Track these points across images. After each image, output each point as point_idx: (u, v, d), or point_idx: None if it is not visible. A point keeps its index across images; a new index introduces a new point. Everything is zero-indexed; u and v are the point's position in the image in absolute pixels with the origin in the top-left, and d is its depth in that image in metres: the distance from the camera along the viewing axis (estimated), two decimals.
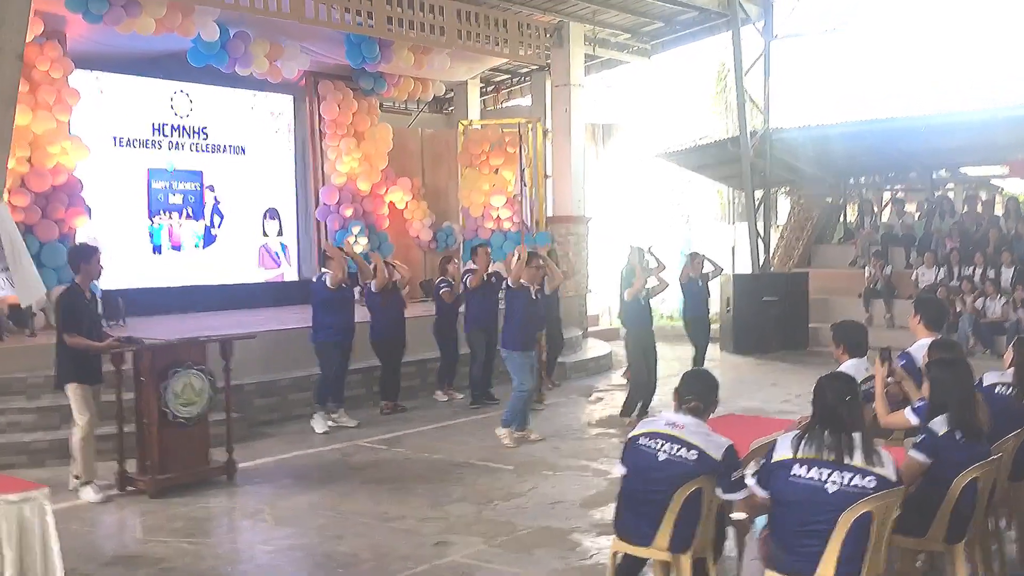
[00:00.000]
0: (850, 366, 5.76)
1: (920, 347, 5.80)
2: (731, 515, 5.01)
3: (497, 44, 13.96)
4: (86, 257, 7.41)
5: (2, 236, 2.36)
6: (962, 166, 19.44)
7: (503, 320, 9.49)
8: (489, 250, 11.62)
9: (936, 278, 15.63)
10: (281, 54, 12.37)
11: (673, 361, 12.78)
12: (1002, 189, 19.31)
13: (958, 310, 14.65)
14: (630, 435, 4.78)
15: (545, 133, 15.91)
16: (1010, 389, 5.48)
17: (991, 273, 15.17)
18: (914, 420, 5.10)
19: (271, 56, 12.29)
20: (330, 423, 9.67)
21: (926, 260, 15.97)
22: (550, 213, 15.83)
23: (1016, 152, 17.90)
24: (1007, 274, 15.03)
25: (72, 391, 7.18)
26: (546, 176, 15.91)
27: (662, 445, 4.57)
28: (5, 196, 2.33)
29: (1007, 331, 13.69)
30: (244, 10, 11.03)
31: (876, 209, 18.75)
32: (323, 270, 9.90)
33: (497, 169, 15.36)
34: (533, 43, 14.56)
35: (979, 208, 17.31)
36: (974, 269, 15.33)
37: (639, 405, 10.05)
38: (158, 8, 10.59)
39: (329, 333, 9.71)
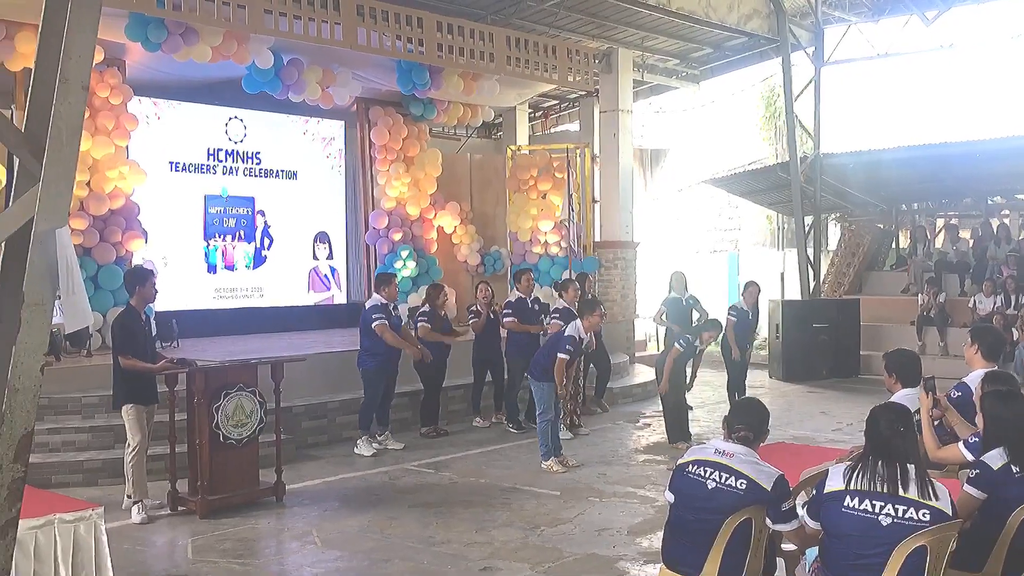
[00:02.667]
0: (903, 396, 5.65)
1: (976, 377, 5.68)
2: (781, 546, 4.94)
3: (546, 70, 14.04)
4: (141, 280, 7.57)
5: (60, 262, 2.43)
6: (1018, 192, 19.09)
7: (539, 352, 9.51)
8: (532, 275, 11.67)
9: (994, 306, 15.32)
10: (333, 81, 12.55)
11: (721, 388, 12.64)
12: None
13: (1015, 339, 14.33)
14: (679, 462, 4.74)
15: (593, 158, 15.95)
16: None
17: None
18: (968, 456, 4.96)
19: (323, 83, 12.47)
20: (376, 445, 9.73)
21: (984, 288, 15.67)
22: (598, 238, 15.86)
23: None
24: None
25: (127, 412, 7.31)
26: (594, 201, 15.96)
27: (711, 473, 4.53)
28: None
29: None
30: (298, 38, 11.23)
31: (929, 236, 18.48)
32: (375, 296, 10.06)
33: (545, 194, 15.40)
34: (582, 69, 14.60)
35: None
36: None
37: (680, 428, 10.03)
38: (214, 36, 10.82)
39: (377, 360, 9.79)
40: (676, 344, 9.93)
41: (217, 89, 12.59)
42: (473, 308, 11.25)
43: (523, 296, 11.02)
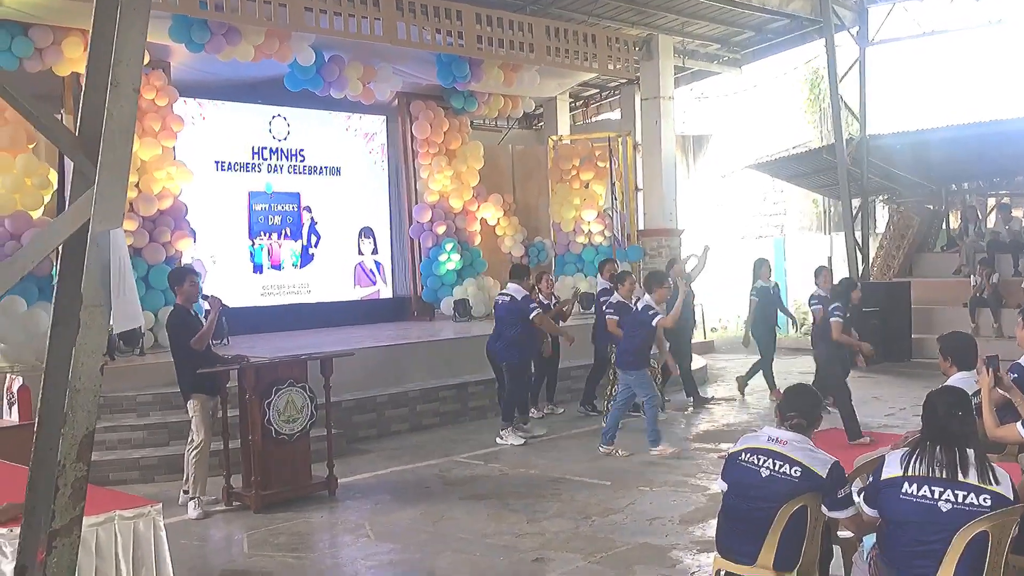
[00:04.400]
0: (959, 379, 5.56)
1: None
2: (837, 534, 4.88)
3: (586, 59, 14.01)
4: (179, 279, 7.71)
5: (112, 263, 2.48)
6: None
7: (623, 341, 9.43)
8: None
9: None
10: (374, 76, 12.63)
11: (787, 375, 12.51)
12: None
13: None
14: (731, 451, 4.71)
15: (635, 146, 15.87)
16: None
17: None
18: None
19: (364, 79, 12.55)
20: (521, 435, 9.81)
21: None
22: (641, 227, 15.76)
23: None
24: None
25: (193, 406, 7.43)
26: (637, 189, 15.87)
27: (764, 461, 4.49)
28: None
29: None
30: (338, 35, 11.31)
31: (980, 216, 18.11)
32: (515, 286, 10.04)
33: (588, 184, 15.36)
34: (622, 57, 14.55)
35: None
36: None
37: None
38: (256, 35, 10.92)
39: (526, 352, 9.90)
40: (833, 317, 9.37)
41: (260, 88, 12.73)
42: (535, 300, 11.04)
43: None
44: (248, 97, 12.99)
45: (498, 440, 9.75)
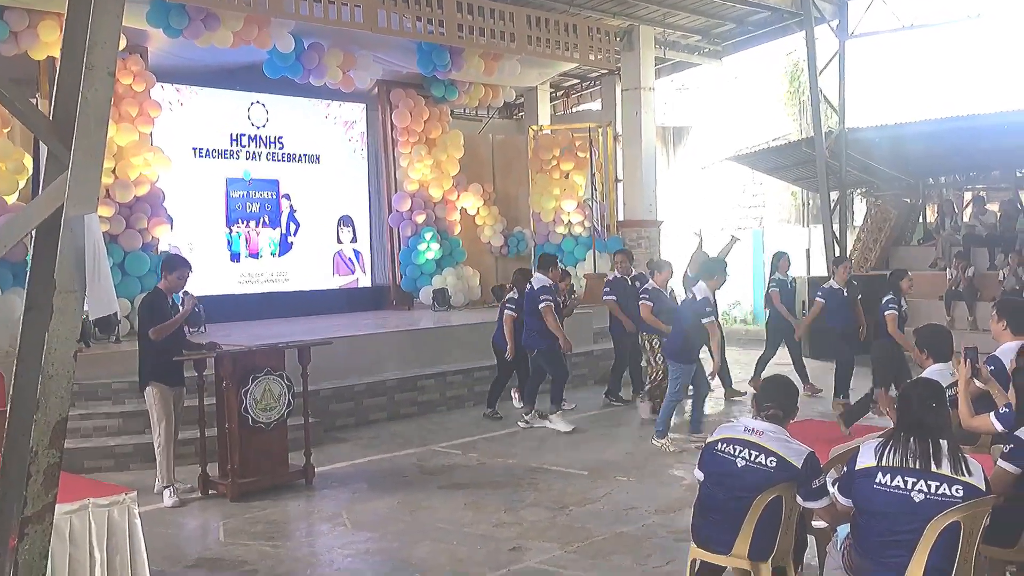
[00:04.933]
0: (934, 371, 5.61)
1: (1007, 351, 5.62)
2: (812, 523, 4.92)
3: (567, 49, 13.96)
4: (170, 268, 7.65)
5: (88, 248, 2.44)
6: None
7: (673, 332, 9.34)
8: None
9: (1021, 279, 15.06)
10: (354, 64, 12.56)
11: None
12: None
13: None
14: (708, 441, 4.74)
15: (615, 137, 15.88)
16: None
17: None
18: (999, 427, 4.93)
19: (344, 66, 12.48)
20: (569, 423, 9.82)
21: (1011, 260, 15.41)
22: (621, 217, 15.79)
23: None
24: None
25: (150, 394, 7.36)
26: (617, 180, 15.90)
27: (740, 451, 4.52)
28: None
29: None
30: (318, 21, 11.23)
31: (957, 209, 18.22)
32: (540, 276, 10.04)
33: (568, 174, 15.37)
34: (603, 47, 14.52)
35: None
36: None
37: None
38: (235, 21, 10.83)
39: (549, 339, 9.82)
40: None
41: (238, 74, 12.62)
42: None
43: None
44: (226, 83, 12.88)
45: (548, 424, 9.78)
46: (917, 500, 3.88)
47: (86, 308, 2.78)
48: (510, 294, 10.53)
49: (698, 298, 8.97)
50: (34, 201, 2.64)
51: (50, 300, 2.55)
